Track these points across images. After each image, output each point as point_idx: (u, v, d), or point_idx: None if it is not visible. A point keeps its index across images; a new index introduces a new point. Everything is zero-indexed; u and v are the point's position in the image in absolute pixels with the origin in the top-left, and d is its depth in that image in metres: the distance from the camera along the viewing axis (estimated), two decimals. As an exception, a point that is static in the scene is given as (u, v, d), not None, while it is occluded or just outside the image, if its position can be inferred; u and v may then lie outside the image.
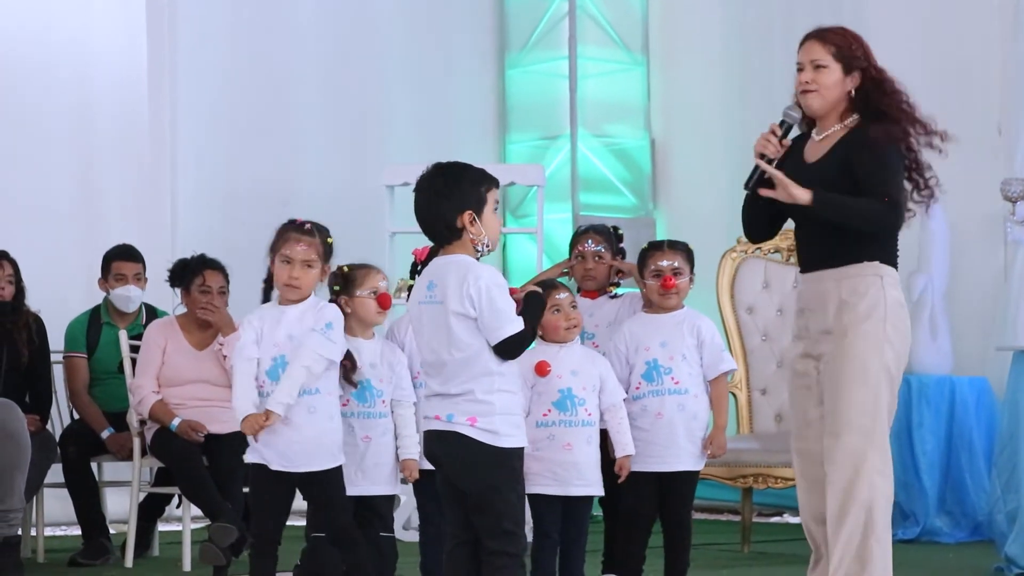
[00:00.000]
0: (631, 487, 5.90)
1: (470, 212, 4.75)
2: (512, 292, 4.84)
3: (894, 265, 5.14)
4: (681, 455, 5.91)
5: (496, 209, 4.82)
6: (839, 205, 5.05)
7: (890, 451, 5.11)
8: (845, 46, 5.14)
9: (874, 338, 5.00)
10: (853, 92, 5.14)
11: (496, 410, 4.70)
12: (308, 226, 5.43)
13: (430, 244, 5.86)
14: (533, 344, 4.87)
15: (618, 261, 6.19)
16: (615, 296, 6.24)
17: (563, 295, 5.69)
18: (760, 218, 5.34)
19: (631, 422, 5.86)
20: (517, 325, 4.69)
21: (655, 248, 6.04)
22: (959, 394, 8.51)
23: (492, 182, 4.82)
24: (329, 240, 5.47)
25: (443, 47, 10.89)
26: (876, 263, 5.07)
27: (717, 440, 5.94)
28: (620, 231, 6.27)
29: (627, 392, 5.89)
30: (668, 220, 10.90)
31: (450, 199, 4.76)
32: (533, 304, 4.83)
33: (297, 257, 5.38)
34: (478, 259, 4.80)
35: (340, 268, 5.64)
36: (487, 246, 4.80)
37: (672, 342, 5.94)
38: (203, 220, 9.77)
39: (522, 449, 4.78)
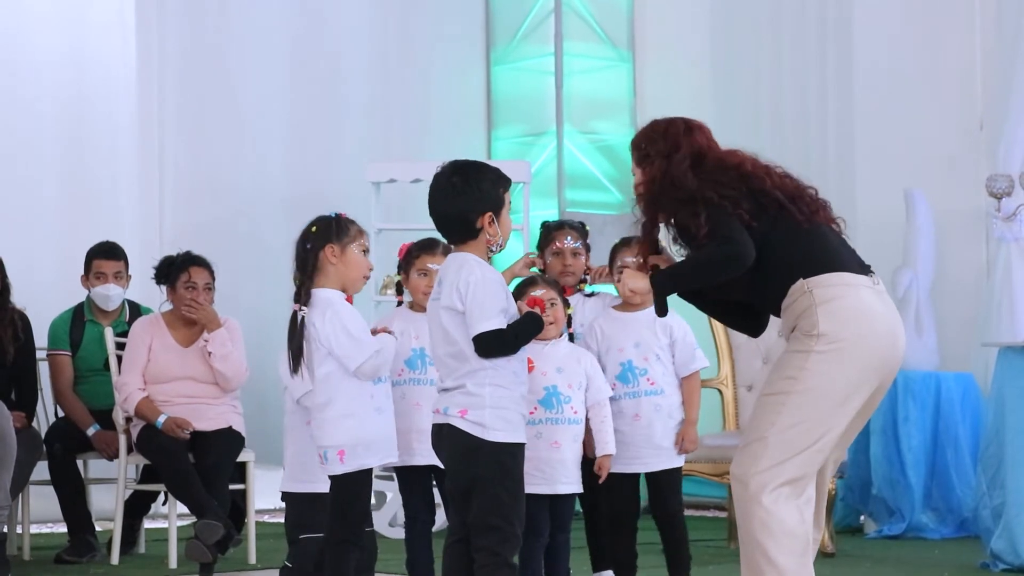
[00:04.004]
0: (613, 489, 5.91)
1: (490, 214, 4.74)
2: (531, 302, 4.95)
3: (832, 268, 4.65)
4: (661, 455, 5.93)
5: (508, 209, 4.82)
6: (673, 273, 4.80)
7: (802, 468, 4.60)
8: (635, 148, 4.94)
9: (798, 353, 4.62)
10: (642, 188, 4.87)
11: (486, 403, 4.70)
12: None
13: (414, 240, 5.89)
14: None
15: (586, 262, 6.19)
16: (590, 295, 6.23)
17: (541, 291, 5.62)
18: (728, 315, 5.04)
19: None
20: (495, 323, 4.67)
21: (623, 244, 6.04)
22: (945, 390, 8.51)
23: (508, 182, 4.81)
24: None
25: (430, 44, 10.88)
26: (799, 281, 4.65)
27: (688, 435, 5.95)
28: (587, 228, 6.25)
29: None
30: (654, 217, 10.87)
31: (469, 198, 4.74)
32: (527, 323, 4.80)
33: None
34: (489, 259, 4.78)
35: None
36: (500, 246, 4.79)
37: (645, 342, 5.95)
38: (191, 217, 9.74)
39: (516, 446, 4.77)
